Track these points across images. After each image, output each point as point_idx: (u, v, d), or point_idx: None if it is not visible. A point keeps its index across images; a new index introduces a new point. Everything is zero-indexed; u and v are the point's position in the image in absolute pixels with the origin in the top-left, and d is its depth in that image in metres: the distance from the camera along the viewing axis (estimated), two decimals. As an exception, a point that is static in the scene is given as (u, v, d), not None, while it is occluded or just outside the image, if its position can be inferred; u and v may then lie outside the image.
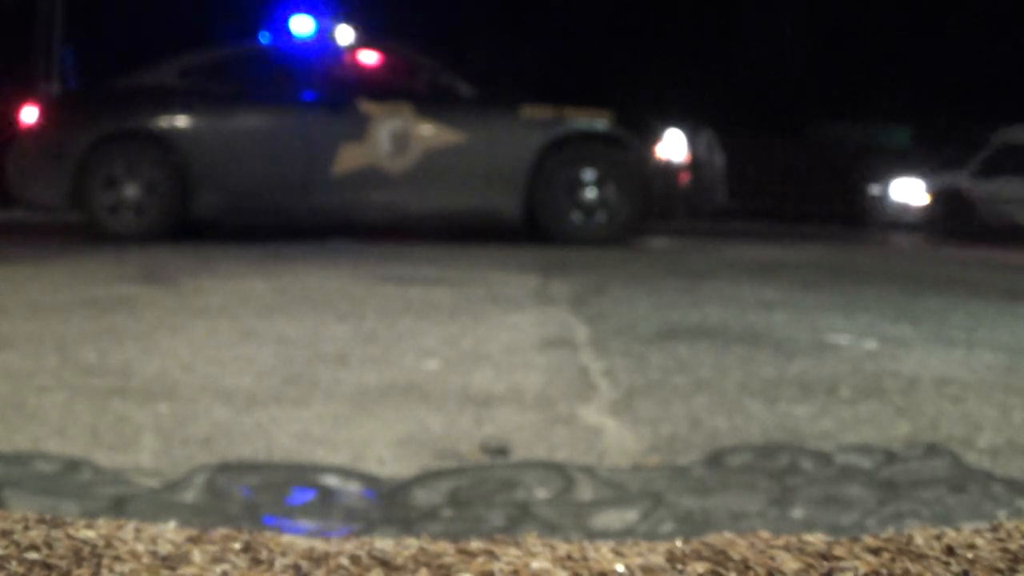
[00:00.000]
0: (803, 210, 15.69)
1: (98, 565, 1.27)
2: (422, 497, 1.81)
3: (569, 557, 1.33)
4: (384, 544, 1.38)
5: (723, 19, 21.76)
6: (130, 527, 1.41)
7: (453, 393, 2.49)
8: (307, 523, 1.69)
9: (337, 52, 7.71)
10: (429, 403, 2.40)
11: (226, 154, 7.17)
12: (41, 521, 1.42)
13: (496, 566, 1.29)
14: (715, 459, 2.01)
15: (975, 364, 2.91)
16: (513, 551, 1.35)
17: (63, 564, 1.26)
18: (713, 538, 1.40)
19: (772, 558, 1.32)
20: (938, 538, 1.41)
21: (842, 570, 1.29)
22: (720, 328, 3.43)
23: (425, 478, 1.89)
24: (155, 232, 7.07)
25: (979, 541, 1.40)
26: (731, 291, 4.51)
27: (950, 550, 1.36)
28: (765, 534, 1.42)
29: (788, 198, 16.76)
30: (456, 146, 7.12)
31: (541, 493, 1.83)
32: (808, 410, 2.37)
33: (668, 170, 7.17)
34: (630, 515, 1.73)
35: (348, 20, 8.31)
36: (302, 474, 1.90)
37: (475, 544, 1.37)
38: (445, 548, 1.36)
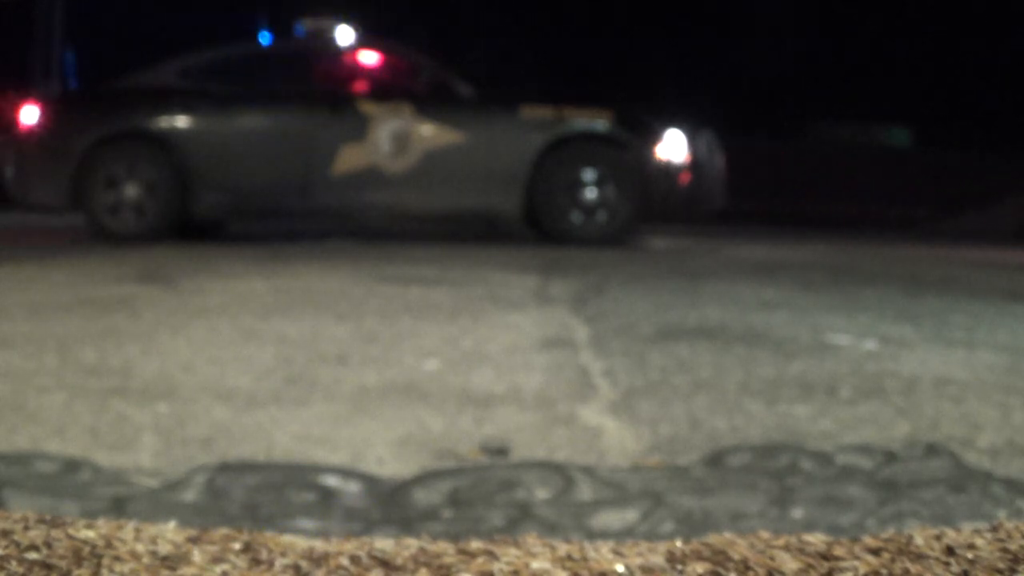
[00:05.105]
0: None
1: (98, 565, 1.27)
2: (422, 497, 1.81)
3: (569, 557, 1.33)
4: (384, 544, 1.38)
5: (723, 19, 21.76)
6: (130, 527, 1.41)
7: (453, 393, 2.49)
8: (307, 523, 1.69)
9: (337, 52, 7.71)
10: (429, 403, 2.40)
11: (226, 154, 7.17)
12: (41, 521, 1.42)
13: (496, 566, 1.29)
14: (715, 459, 2.01)
15: (975, 364, 2.91)
16: (513, 551, 1.35)
17: (63, 564, 1.26)
18: (713, 538, 1.40)
19: (772, 558, 1.32)
20: (938, 538, 1.41)
21: (842, 570, 1.29)
22: (720, 328, 3.43)
23: (425, 478, 1.88)
24: (155, 232, 7.07)
25: (979, 541, 1.40)
26: (731, 291, 4.51)
27: (950, 550, 1.36)
28: (765, 534, 1.42)
29: None
30: (456, 146, 7.13)
31: (541, 493, 1.82)
32: (808, 410, 2.37)
33: (668, 170, 7.18)
34: (630, 515, 1.73)
35: (348, 20, 8.31)
36: (302, 474, 1.89)
37: (475, 544, 1.37)
38: (445, 548, 1.36)
